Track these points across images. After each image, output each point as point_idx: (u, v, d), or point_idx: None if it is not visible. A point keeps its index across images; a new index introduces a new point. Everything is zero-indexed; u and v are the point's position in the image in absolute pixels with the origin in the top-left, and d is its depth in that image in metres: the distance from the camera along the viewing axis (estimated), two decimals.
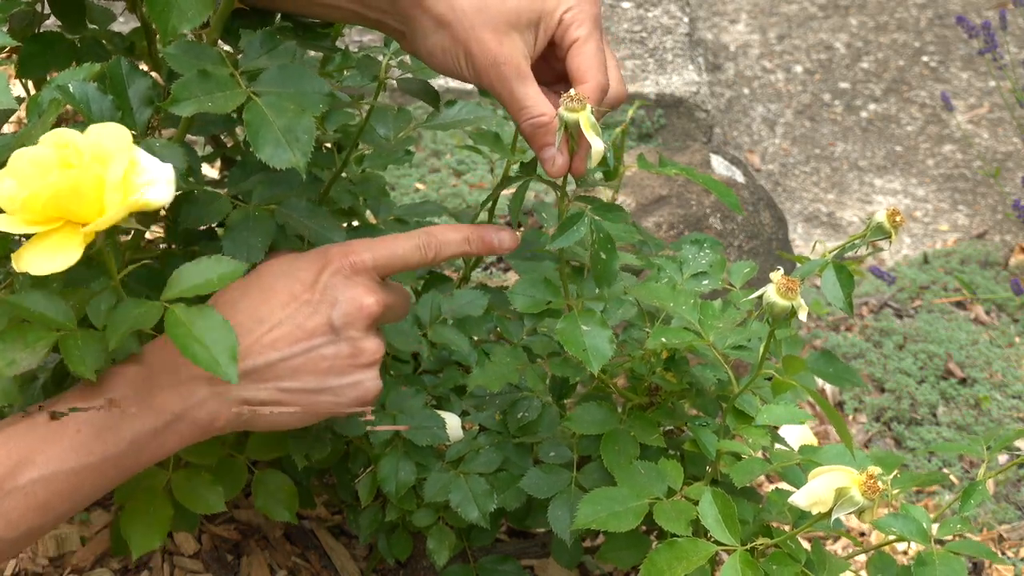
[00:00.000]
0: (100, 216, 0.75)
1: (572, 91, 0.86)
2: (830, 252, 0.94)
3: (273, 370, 0.88)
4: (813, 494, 0.83)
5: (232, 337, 0.79)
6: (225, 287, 0.84)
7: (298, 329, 0.88)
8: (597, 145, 0.86)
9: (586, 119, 0.86)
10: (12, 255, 0.75)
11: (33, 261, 0.74)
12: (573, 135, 0.88)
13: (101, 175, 0.75)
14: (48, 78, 0.98)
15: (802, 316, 0.83)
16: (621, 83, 0.93)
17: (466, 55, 0.89)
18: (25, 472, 0.81)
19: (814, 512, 0.84)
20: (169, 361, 0.86)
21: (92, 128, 0.77)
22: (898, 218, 0.92)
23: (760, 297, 0.85)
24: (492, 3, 0.89)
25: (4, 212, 0.75)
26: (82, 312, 0.83)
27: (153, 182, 0.76)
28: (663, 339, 0.93)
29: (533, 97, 0.89)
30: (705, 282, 1.05)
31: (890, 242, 0.93)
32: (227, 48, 0.94)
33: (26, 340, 0.79)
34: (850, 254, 0.96)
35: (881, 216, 0.92)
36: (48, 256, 0.74)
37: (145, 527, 0.98)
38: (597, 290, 0.99)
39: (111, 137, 0.77)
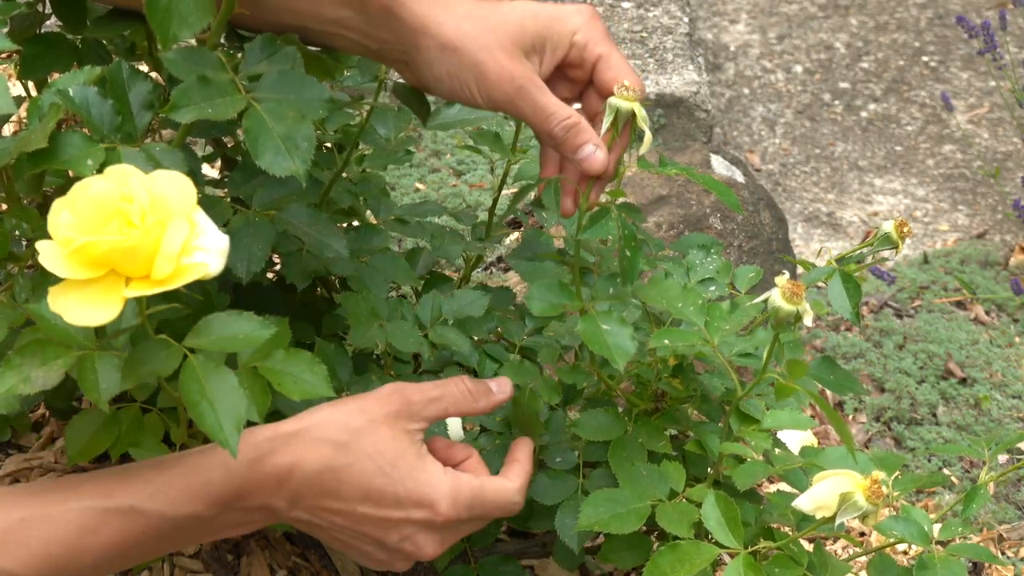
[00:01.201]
0: (148, 275, 0.73)
1: (625, 81, 0.90)
2: (835, 259, 0.94)
3: (318, 527, 0.90)
4: (817, 499, 0.83)
5: (242, 406, 0.78)
6: (344, 438, 0.86)
7: (356, 526, 0.89)
8: (648, 134, 0.90)
9: (639, 107, 0.89)
10: (49, 292, 0.73)
11: (71, 309, 0.72)
12: (618, 126, 0.90)
13: (159, 239, 0.72)
14: (49, 79, 0.98)
15: (807, 321, 0.83)
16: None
17: (477, 77, 0.90)
18: None
19: (818, 516, 0.84)
20: (247, 489, 0.86)
21: (157, 175, 0.75)
22: (906, 229, 0.92)
23: (765, 301, 0.85)
24: (497, 24, 0.90)
25: (52, 241, 0.73)
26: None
27: (208, 250, 0.74)
28: (666, 340, 0.93)
29: (557, 103, 0.91)
30: (712, 288, 1.05)
31: (896, 252, 0.93)
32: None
33: (44, 356, 0.78)
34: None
35: (889, 226, 0.93)
36: (88, 307, 0.72)
37: None
38: (611, 290, 0.99)
39: (176, 192, 0.74)
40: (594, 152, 0.91)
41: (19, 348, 0.77)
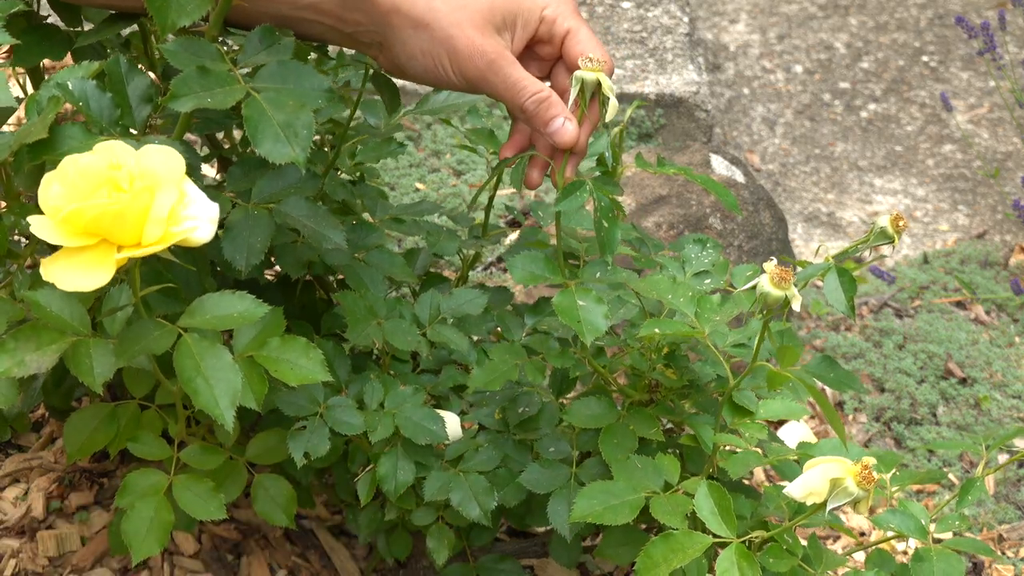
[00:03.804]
0: (139, 243, 0.74)
1: (589, 54, 0.92)
2: (832, 256, 0.94)
3: None
4: (808, 485, 0.83)
5: (238, 381, 0.79)
6: None
7: None
8: (614, 101, 0.93)
9: (604, 78, 0.92)
10: (41, 263, 0.74)
11: (64, 276, 0.73)
12: (585, 98, 0.93)
13: (148, 205, 0.74)
14: (46, 76, 0.98)
15: (795, 306, 0.83)
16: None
17: (449, 53, 0.91)
18: None
19: (809, 503, 0.84)
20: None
21: (147, 149, 0.76)
22: (901, 223, 0.93)
23: (755, 289, 0.86)
24: (468, 1, 0.92)
25: (44, 215, 0.74)
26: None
27: (197, 217, 0.75)
28: (656, 329, 0.93)
29: (528, 77, 0.93)
30: (707, 281, 1.06)
31: (893, 247, 0.94)
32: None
33: (39, 341, 0.79)
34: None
35: (884, 221, 0.93)
36: (79, 273, 0.73)
37: (146, 532, 0.98)
38: (598, 274, 1.01)
39: (164, 164, 0.76)
40: (564, 124, 0.92)
41: (14, 333, 0.78)
